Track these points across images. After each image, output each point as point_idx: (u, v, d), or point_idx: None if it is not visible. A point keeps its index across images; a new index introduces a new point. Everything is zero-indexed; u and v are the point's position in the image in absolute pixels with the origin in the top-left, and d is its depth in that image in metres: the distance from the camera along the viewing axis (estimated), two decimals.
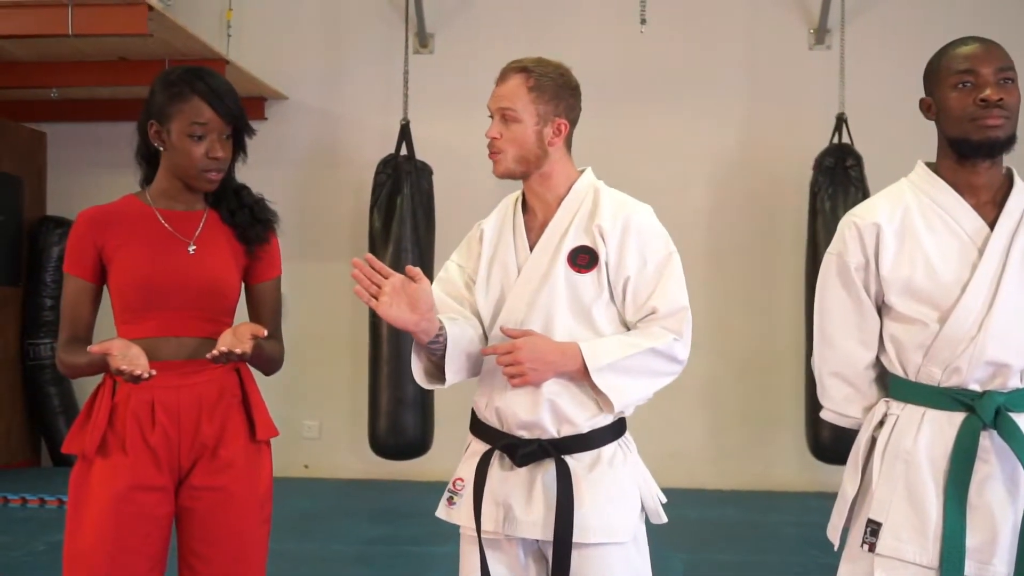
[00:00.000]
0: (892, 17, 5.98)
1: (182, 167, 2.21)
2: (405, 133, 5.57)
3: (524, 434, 2.12)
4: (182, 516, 2.24)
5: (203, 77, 2.22)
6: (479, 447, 2.19)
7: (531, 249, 2.18)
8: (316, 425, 6.25)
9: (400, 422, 5.37)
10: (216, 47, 5.44)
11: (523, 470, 2.11)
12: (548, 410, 2.09)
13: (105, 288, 2.28)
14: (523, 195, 2.25)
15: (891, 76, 5.94)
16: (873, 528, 1.91)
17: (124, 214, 2.25)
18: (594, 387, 2.07)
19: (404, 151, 5.56)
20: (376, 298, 1.99)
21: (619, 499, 2.12)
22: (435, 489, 6.72)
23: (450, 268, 2.29)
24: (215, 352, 2.06)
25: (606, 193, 2.20)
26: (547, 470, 2.10)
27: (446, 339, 2.08)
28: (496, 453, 2.14)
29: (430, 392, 5.42)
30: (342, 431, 6.19)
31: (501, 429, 2.14)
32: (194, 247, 2.24)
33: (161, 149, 2.24)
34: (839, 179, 5.37)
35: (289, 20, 6.29)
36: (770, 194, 6.00)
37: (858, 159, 5.40)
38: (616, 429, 2.16)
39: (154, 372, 2.03)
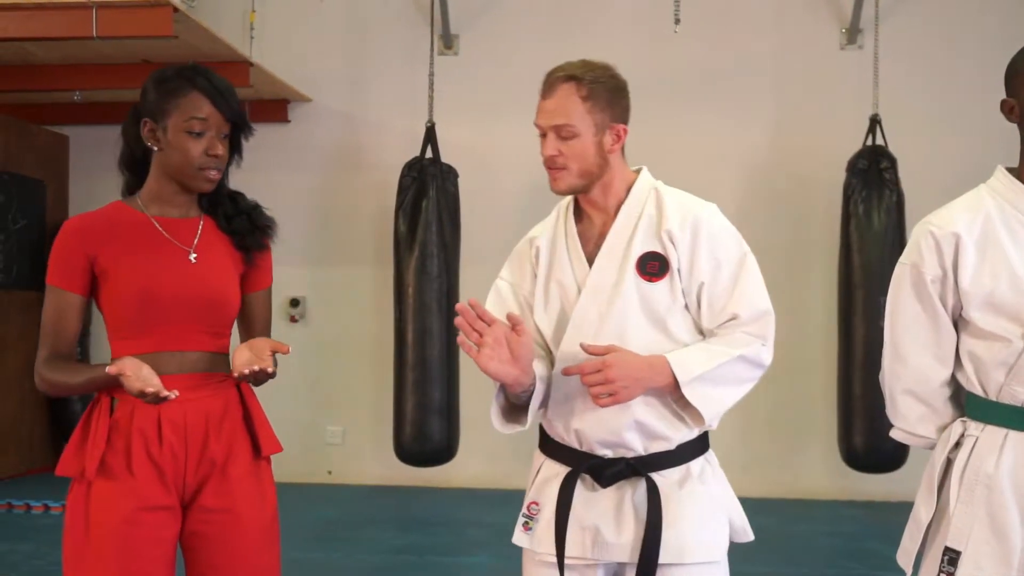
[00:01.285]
0: (926, 16, 5.88)
1: (178, 166, 2.09)
2: (430, 136, 5.49)
3: (608, 453, 2.00)
4: (191, 540, 2.11)
5: (203, 73, 2.10)
6: (556, 469, 2.06)
7: (588, 260, 2.05)
8: (340, 431, 6.18)
9: (426, 429, 5.29)
10: (239, 49, 5.39)
11: (609, 491, 2.00)
12: (635, 429, 1.98)
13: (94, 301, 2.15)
14: (575, 202, 2.12)
15: (926, 76, 5.85)
16: (951, 557, 1.81)
17: (116, 222, 2.12)
18: (681, 400, 1.96)
19: (429, 154, 5.49)
20: (479, 348, 1.86)
21: (713, 515, 2.02)
22: (461, 496, 6.66)
23: (502, 288, 2.15)
24: (245, 372, 1.96)
25: (669, 194, 2.08)
26: (635, 489, 1.99)
27: (534, 381, 1.97)
28: (567, 474, 2.02)
29: (456, 398, 5.36)
30: (366, 437, 6.12)
31: (580, 449, 2.03)
32: (195, 256, 2.13)
33: (155, 149, 2.10)
34: (873, 182, 5.27)
35: (312, 22, 6.23)
36: (801, 197, 5.91)
37: (892, 161, 5.29)
38: (702, 443, 2.06)
39: (176, 393, 1.93)
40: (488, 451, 5.90)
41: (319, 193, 6.14)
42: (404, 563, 4.45)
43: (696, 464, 2.03)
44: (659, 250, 2.00)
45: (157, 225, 2.12)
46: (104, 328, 2.15)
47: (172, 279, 2.09)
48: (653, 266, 2.00)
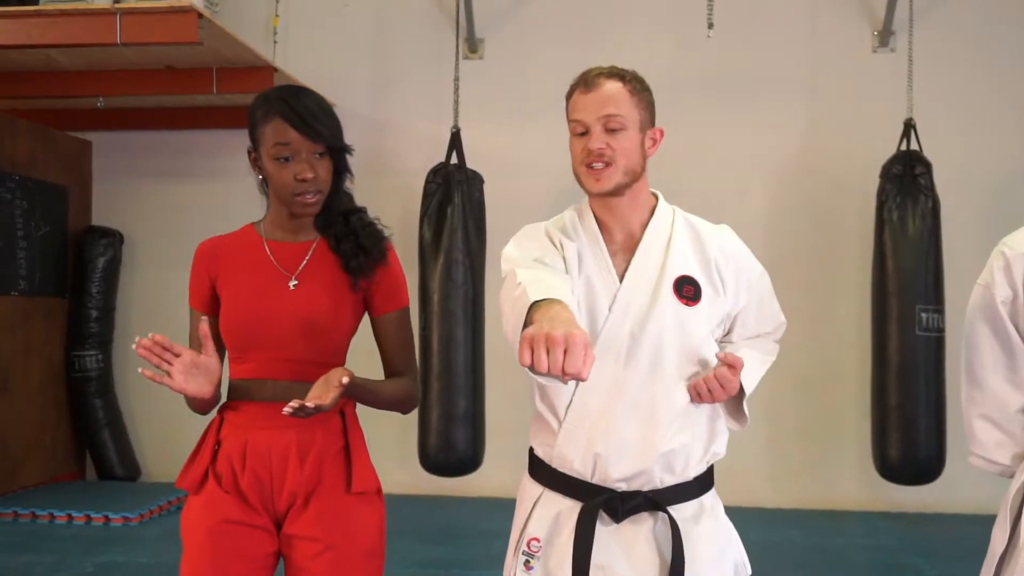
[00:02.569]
0: (960, 17, 5.76)
1: (277, 192, 2.10)
2: (455, 141, 5.41)
3: (622, 486, 1.91)
4: (285, 564, 2.13)
5: (286, 97, 2.07)
6: (562, 502, 1.95)
7: (618, 275, 1.97)
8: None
9: (451, 438, 5.21)
10: (262, 54, 5.34)
11: (621, 526, 1.91)
12: (663, 459, 1.90)
13: None
14: (593, 213, 2.03)
15: (961, 79, 5.73)
16: None
17: (237, 245, 2.17)
18: (730, 406, 1.99)
19: (454, 159, 5.41)
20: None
21: (727, 551, 1.98)
22: (487, 506, 6.55)
23: (544, 260, 1.93)
24: (288, 408, 1.90)
25: (694, 219, 2.07)
26: (649, 525, 1.92)
27: None
28: (582, 508, 1.92)
29: (482, 407, 5.28)
30: (390, 446, 6.04)
31: (591, 481, 1.92)
32: (295, 282, 2.10)
33: (260, 177, 2.14)
34: (907, 187, 5.15)
35: (336, 26, 6.17)
36: (833, 202, 5.80)
37: (928, 166, 5.17)
38: (710, 475, 2.01)
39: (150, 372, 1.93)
40: (514, 461, 5.78)
41: None
42: None
43: (708, 498, 1.99)
44: (695, 275, 1.96)
45: (268, 250, 2.13)
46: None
47: (268, 305, 2.08)
48: (689, 290, 1.95)
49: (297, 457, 2.06)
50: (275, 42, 6.00)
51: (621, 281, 1.96)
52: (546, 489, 1.98)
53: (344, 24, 6.17)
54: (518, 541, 2.00)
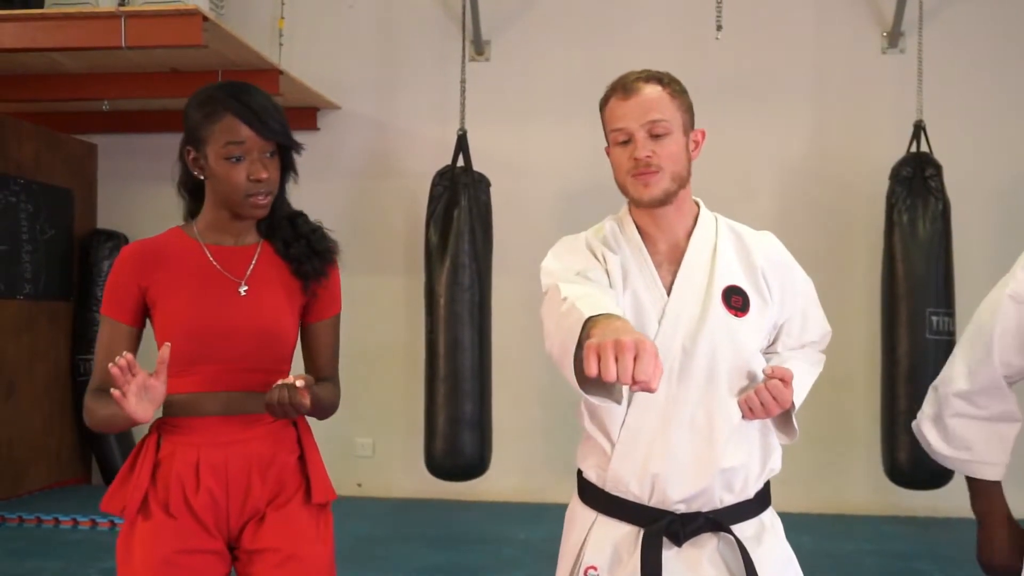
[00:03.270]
0: (970, 18, 5.70)
1: (225, 194, 1.98)
2: (462, 143, 5.38)
3: (681, 508, 1.85)
4: None
5: (237, 93, 1.97)
6: (619, 527, 1.88)
7: (665, 288, 1.90)
8: (370, 443, 6.10)
9: (457, 443, 5.18)
10: (267, 56, 5.31)
11: (684, 549, 1.84)
12: (722, 477, 1.84)
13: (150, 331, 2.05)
14: (634, 223, 1.97)
15: (970, 80, 5.69)
16: None
17: (170, 250, 2.03)
18: (778, 420, 1.91)
19: (461, 162, 5.38)
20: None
21: (791, 570, 1.92)
22: (494, 510, 6.49)
23: (587, 274, 1.86)
24: (275, 401, 1.84)
25: (739, 226, 2.00)
26: (711, 545, 1.85)
27: None
28: (645, 533, 1.84)
29: (488, 411, 5.25)
30: (396, 449, 6.04)
31: (649, 504, 1.85)
32: (246, 288, 2.01)
33: (202, 177, 2.02)
34: (918, 190, 5.11)
35: (342, 28, 6.15)
36: (843, 205, 5.76)
37: (938, 168, 5.13)
38: (767, 493, 1.95)
39: (115, 386, 1.77)
40: (521, 465, 5.80)
41: (349, 202, 6.06)
42: None
43: (767, 515, 1.92)
44: (742, 285, 1.89)
45: (209, 255, 2.02)
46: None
47: (219, 313, 1.97)
48: (737, 300, 1.88)
49: (259, 473, 1.99)
50: (280, 44, 5.98)
51: (669, 294, 1.89)
52: (600, 514, 1.91)
53: (350, 26, 6.15)
54: (572, 569, 1.92)
